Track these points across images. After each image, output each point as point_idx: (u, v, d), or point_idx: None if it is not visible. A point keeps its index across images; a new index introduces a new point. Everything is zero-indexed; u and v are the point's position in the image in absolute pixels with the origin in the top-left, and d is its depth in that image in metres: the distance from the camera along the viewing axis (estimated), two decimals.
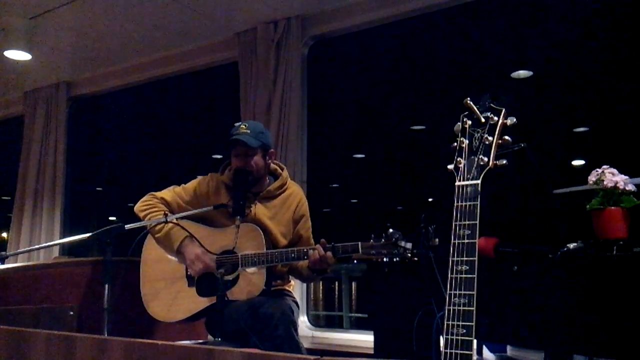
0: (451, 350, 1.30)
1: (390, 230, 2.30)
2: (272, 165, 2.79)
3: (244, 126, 2.66)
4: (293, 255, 2.48)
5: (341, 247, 2.42)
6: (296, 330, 2.47)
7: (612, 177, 1.97)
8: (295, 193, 2.77)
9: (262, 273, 2.52)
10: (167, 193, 2.77)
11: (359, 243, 2.36)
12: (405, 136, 8.38)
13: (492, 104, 1.44)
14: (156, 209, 2.69)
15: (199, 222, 2.70)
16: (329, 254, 2.41)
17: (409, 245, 2.28)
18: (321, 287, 18.34)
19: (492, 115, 1.43)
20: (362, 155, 9.68)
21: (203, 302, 2.56)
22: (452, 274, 1.35)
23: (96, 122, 7.12)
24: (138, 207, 2.73)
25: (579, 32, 4.71)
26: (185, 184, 2.81)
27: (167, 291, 2.65)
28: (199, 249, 2.58)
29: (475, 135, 1.43)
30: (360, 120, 8.14)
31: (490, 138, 1.41)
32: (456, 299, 1.32)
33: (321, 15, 3.96)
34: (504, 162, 1.40)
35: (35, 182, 5.29)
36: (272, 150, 2.75)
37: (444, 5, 3.64)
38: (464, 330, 1.30)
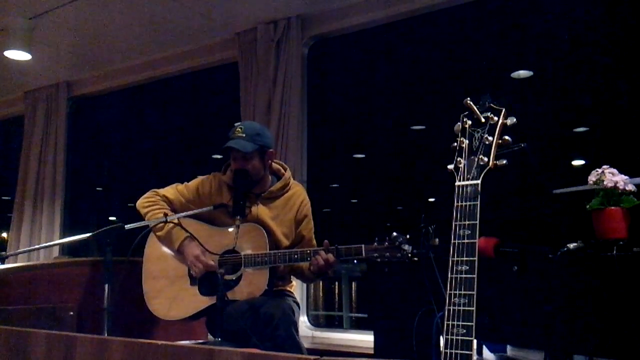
0: (451, 350, 1.30)
1: (394, 233, 2.30)
2: (275, 166, 2.78)
3: (239, 129, 2.62)
4: (296, 256, 2.47)
5: (344, 250, 2.41)
6: (297, 330, 2.46)
7: (612, 177, 1.97)
8: (298, 193, 2.75)
9: (265, 274, 2.51)
10: (170, 190, 2.77)
11: (363, 246, 2.36)
12: (405, 136, 8.38)
13: (492, 104, 1.44)
14: (158, 207, 2.69)
15: (201, 220, 2.70)
16: (331, 256, 2.41)
17: (411, 249, 2.28)
18: (321, 287, 18.34)
19: (492, 115, 1.43)
20: (362, 155, 9.68)
21: (204, 302, 2.56)
22: (452, 274, 1.35)
23: (96, 122, 7.11)
24: (140, 203, 2.73)
25: (578, 32, 4.71)
26: (187, 182, 2.81)
27: (169, 289, 2.65)
28: (198, 249, 2.58)
29: (475, 135, 1.43)
30: (360, 120, 8.14)
31: (490, 138, 1.41)
32: (456, 299, 1.32)
33: (321, 15, 3.96)
34: (504, 162, 1.40)
35: (35, 182, 5.29)
36: (271, 150, 2.70)
37: (444, 5, 3.64)
38: (464, 330, 1.30)
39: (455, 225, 1.37)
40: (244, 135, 2.60)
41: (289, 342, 2.37)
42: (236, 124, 2.67)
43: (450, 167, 1.44)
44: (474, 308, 1.30)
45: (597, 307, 1.87)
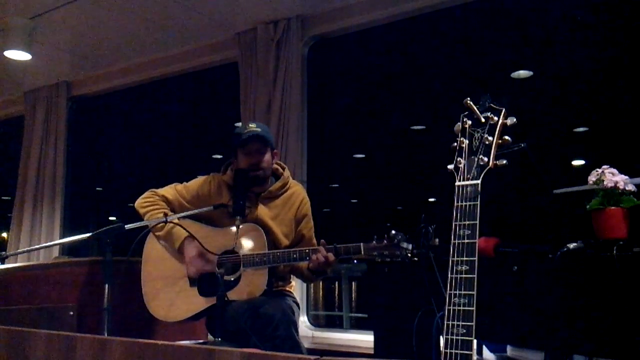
0: (451, 350, 1.30)
1: (393, 231, 2.29)
2: (274, 166, 2.80)
3: (253, 125, 2.66)
4: (295, 256, 2.47)
5: (343, 248, 2.41)
6: (297, 330, 2.46)
7: (612, 177, 1.97)
8: (297, 193, 2.76)
9: (264, 274, 2.51)
10: (169, 190, 2.77)
11: (361, 244, 2.36)
12: (405, 136, 8.39)
13: (492, 104, 1.44)
14: (157, 207, 2.68)
15: (200, 221, 2.70)
16: (330, 255, 2.41)
17: (410, 247, 2.27)
18: (321, 287, 18.36)
19: (492, 115, 1.43)
20: (362, 155, 9.69)
21: (203, 303, 2.56)
22: (452, 274, 1.35)
23: (96, 122, 7.12)
24: (139, 203, 2.72)
25: (578, 32, 4.71)
26: (186, 182, 2.81)
27: (168, 290, 2.65)
28: (197, 250, 2.58)
29: (475, 135, 1.43)
30: (360, 120, 8.15)
31: (490, 138, 1.41)
32: (456, 299, 1.32)
33: (321, 15, 3.96)
34: (504, 162, 1.40)
35: (35, 182, 5.29)
36: (276, 150, 2.77)
37: (444, 5, 3.64)
38: (464, 330, 1.30)
39: (455, 225, 1.37)
40: (259, 129, 2.64)
41: (289, 342, 2.37)
42: (239, 124, 2.70)
43: (450, 167, 1.44)
44: (474, 308, 1.30)
45: (597, 307, 1.86)
